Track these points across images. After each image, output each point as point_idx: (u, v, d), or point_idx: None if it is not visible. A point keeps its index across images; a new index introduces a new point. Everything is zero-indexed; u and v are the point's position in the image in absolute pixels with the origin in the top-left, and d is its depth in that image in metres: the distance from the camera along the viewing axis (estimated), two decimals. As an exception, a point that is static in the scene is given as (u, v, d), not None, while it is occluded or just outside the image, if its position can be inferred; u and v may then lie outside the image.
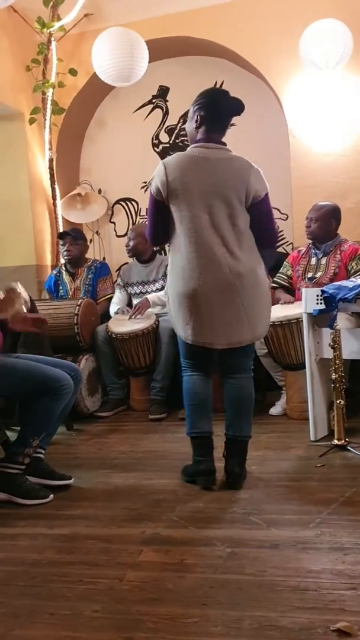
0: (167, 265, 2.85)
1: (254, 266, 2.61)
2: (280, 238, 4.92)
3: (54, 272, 4.67)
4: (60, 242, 4.58)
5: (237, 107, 2.62)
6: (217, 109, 2.61)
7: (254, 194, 2.56)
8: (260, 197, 2.58)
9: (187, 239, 2.55)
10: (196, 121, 2.63)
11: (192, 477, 2.69)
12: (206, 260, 2.53)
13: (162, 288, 4.26)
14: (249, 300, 2.59)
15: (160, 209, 2.60)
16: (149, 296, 4.26)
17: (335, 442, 3.03)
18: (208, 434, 2.69)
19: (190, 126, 2.68)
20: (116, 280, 4.62)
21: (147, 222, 2.74)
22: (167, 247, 4.99)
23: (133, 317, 4.16)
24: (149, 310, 4.22)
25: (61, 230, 4.88)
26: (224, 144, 2.65)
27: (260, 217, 2.62)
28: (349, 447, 3.00)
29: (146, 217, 2.92)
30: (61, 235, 4.56)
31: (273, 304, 3.93)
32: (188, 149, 2.66)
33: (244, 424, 2.67)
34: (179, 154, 2.62)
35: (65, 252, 4.49)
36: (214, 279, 2.54)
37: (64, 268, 4.60)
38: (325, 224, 3.79)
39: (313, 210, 3.84)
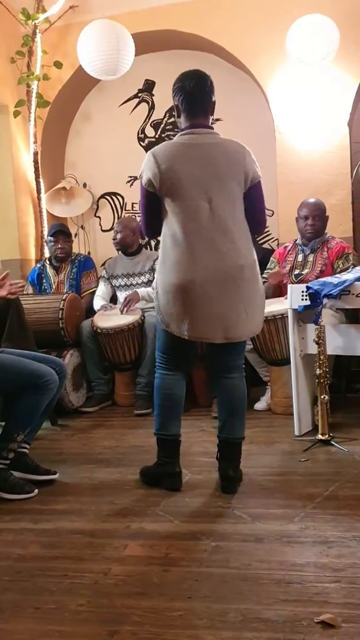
0: (155, 260, 2.79)
1: (254, 258, 2.53)
2: (265, 234, 4.94)
3: (38, 265, 4.66)
4: (51, 238, 4.55)
5: (203, 81, 2.52)
6: (187, 92, 2.50)
7: (252, 176, 2.49)
8: (257, 180, 2.51)
9: (184, 229, 2.44)
10: (176, 110, 2.56)
11: (153, 479, 2.62)
12: (206, 251, 2.43)
13: (149, 282, 4.25)
14: (248, 293, 2.50)
15: (153, 201, 2.50)
16: (139, 290, 4.24)
17: (319, 437, 3.05)
18: (177, 437, 2.61)
19: (176, 118, 2.62)
20: (101, 274, 4.60)
21: (140, 216, 2.63)
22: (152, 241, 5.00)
23: (124, 310, 4.14)
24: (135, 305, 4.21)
25: (45, 224, 4.85)
26: (211, 127, 2.55)
27: (256, 201, 2.54)
28: (332, 442, 3.02)
29: (132, 211, 2.86)
30: (55, 234, 4.53)
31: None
32: (175, 137, 2.57)
33: (237, 426, 2.59)
34: (166, 143, 2.55)
35: (58, 250, 4.49)
36: (214, 270, 2.43)
37: (47, 262, 4.59)
38: (325, 220, 3.86)
39: (310, 207, 3.83)
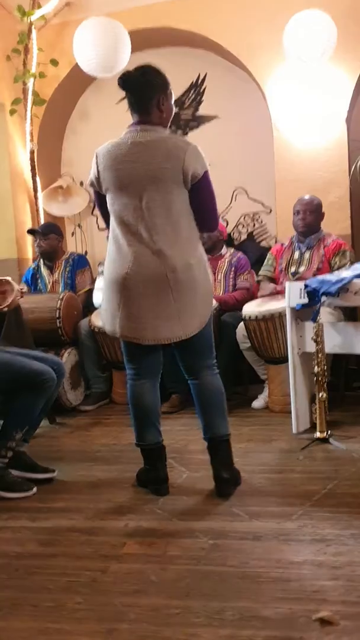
0: None
1: (189, 260, 2.43)
2: (263, 232, 4.94)
3: (33, 265, 4.63)
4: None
5: (135, 78, 2.44)
6: (131, 90, 2.46)
7: (192, 173, 2.38)
8: (199, 176, 2.40)
9: (119, 227, 2.45)
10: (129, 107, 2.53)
11: (145, 483, 2.60)
12: (138, 250, 2.40)
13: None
14: (181, 295, 2.41)
15: (98, 198, 2.56)
16: None
17: (317, 434, 3.05)
18: (156, 445, 2.57)
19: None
20: (99, 269, 4.56)
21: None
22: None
23: None
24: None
25: (42, 222, 4.84)
26: (154, 123, 2.45)
27: (201, 197, 2.45)
28: (330, 440, 3.02)
29: None
30: (31, 232, 4.52)
31: (256, 297, 3.97)
32: (121, 134, 2.53)
33: (218, 423, 2.51)
34: (110, 142, 2.52)
35: (36, 248, 4.48)
36: (146, 270, 2.40)
37: (42, 262, 4.56)
38: (319, 216, 3.85)
39: (304, 203, 3.83)
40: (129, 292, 2.43)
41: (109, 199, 2.49)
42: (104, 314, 2.55)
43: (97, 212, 2.67)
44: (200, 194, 2.45)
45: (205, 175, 2.43)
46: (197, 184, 2.42)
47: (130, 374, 2.59)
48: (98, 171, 2.48)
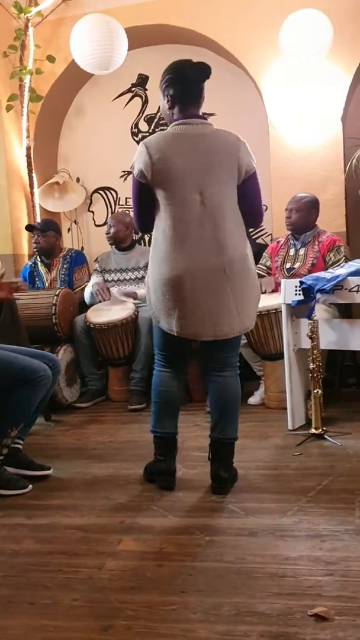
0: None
1: (245, 253, 2.45)
2: (259, 229, 4.94)
3: (29, 262, 4.62)
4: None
5: (204, 71, 2.45)
6: (185, 82, 2.44)
7: (246, 169, 2.42)
8: (252, 172, 2.44)
9: (174, 222, 2.38)
10: (168, 101, 2.49)
11: (153, 476, 2.60)
12: (196, 245, 2.37)
13: (142, 278, 4.25)
14: (239, 289, 2.42)
15: (146, 193, 2.43)
16: (138, 291, 4.21)
17: (313, 431, 3.07)
18: (172, 435, 2.58)
19: (164, 108, 2.54)
20: (95, 267, 4.57)
21: (133, 209, 2.55)
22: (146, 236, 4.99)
23: (120, 296, 4.16)
24: (127, 299, 4.21)
25: (38, 219, 4.83)
26: (205, 117, 2.50)
27: (251, 193, 2.47)
28: (326, 436, 3.04)
29: (125, 206, 2.78)
30: (29, 228, 4.51)
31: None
32: (168, 128, 2.49)
33: (229, 426, 2.52)
34: (160, 133, 2.47)
35: (34, 245, 4.46)
36: (203, 265, 2.37)
37: (39, 259, 4.55)
38: (307, 214, 3.83)
39: (293, 201, 3.87)
40: (186, 290, 2.39)
41: (162, 192, 2.40)
42: (157, 312, 2.49)
43: (133, 206, 2.55)
44: (250, 190, 2.47)
45: (255, 171, 2.47)
46: (248, 179, 2.44)
47: (160, 362, 2.60)
48: (152, 162, 2.37)
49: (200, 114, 2.50)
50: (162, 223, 2.44)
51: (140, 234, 4.88)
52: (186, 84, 2.45)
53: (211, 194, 2.39)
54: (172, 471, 2.56)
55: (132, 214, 2.64)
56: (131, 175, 2.49)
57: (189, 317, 2.41)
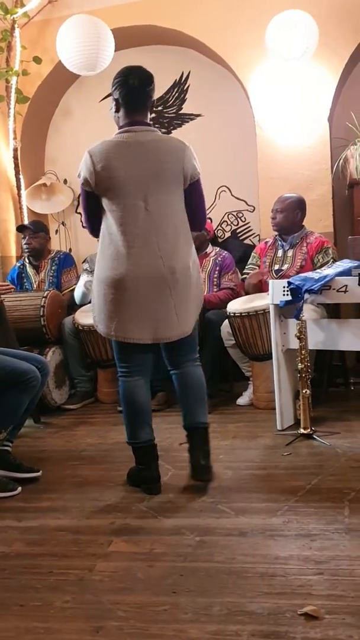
0: None
1: (187, 262, 2.50)
2: (246, 230, 4.96)
3: (18, 264, 4.60)
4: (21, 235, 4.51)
5: (145, 77, 2.47)
6: (129, 87, 2.45)
7: (191, 174, 2.46)
8: (197, 177, 2.49)
9: (119, 228, 2.42)
10: (115, 105, 2.51)
11: (136, 483, 2.57)
12: (140, 251, 2.41)
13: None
14: (180, 296, 2.48)
15: (91, 199, 2.49)
16: None
17: (302, 431, 3.08)
18: (149, 442, 2.55)
19: (112, 113, 2.56)
20: (84, 267, 4.54)
21: (82, 215, 2.58)
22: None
23: None
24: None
25: (26, 221, 4.81)
26: (150, 123, 2.52)
27: (195, 197, 2.52)
28: (314, 436, 3.05)
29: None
30: (20, 229, 4.49)
31: (245, 295, 3.99)
32: (113, 136, 2.51)
33: (198, 411, 2.56)
34: (104, 141, 2.48)
35: (25, 246, 4.44)
36: (146, 271, 2.42)
37: (27, 261, 4.53)
38: (291, 215, 3.83)
39: (278, 201, 3.88)
40: (128, 293, 2.43)
41: (106, 199, 2.45)
42: (98, 316, 2.52)
43: (81, 211, 2.61)
44: (195, 194, 2.52)
45: (199, 176, 2.51)
46: (193, 184, 2.48)
47: (123, 373, 2.58)
48: (95, 171, 2.42)
49: (147, 119, 2.52)
50: (107, 228, 2.48)
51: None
52: (132, 90, 2.46)
53: (155, 200, 2.42)
54: (156, 478, 2.54)
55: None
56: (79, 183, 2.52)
57: (129, 320, 2.46)
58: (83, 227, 5.25)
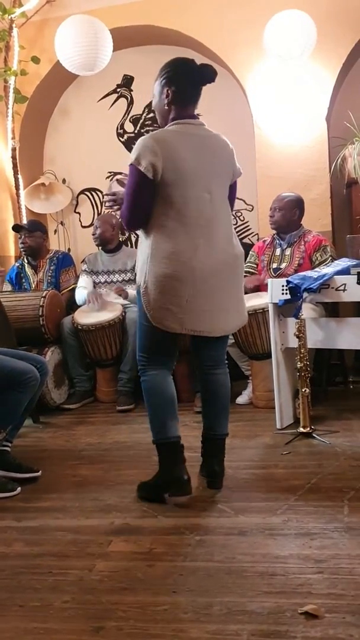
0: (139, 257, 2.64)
1: (241, 249, 2.52)
2: (245, 229, 4.96)
3: (17, 264, 4.60)
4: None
5: (210, 74, 2.40)
6: (189, 80, 2.40)
7: (236, 172, 2.52)
8: (239, 175, 2.54)
9: (185, 219, 2.33)
10: (167, 96, 2.40)
11: (155, 493, 2.42)
12: (206, 242, 2.36)
13: (130, 280, 4.26)
14: (238, 285, 2.51)
15: (149, 188, 2.31)
16: (130, 291, 4.20)
17: (301, 429, 3.08)
18: (179, 439, 2.43)
19: (160, 104, 2.45)
20: (82, 268, 4.55)
21: (125, 203, 2.37)
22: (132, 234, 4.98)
23: (110, 296, 4.17)
24: (115, 300, 4.21)
25: (24, 220, 4.81)
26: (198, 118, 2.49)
27: (233, 196, 2.57)
28: (314, 435, 3.05)
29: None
30: (16, 228, 4.49)
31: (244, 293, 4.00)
32: (169, 126, 2.42)
33: (223, 423, 2.55)
34: (165, 130, 2.40)
35: (21, 245, 4.44)
36: (214, 260, 2.37)
37: (26, 260, 4.53)
38: (289, 214, 3.84)
39: (277, 200, 3.89)
40: (198, 285, 2.35)
41: (169, 190, 2.31)
42: (161, 313, 2.35)
43: (127, 200, 2.37)
44: (233, 192, 2.56)
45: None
46: (235, 182, 2.54)
47: (154, 366, 2.46)
48: (163, 158, 2.28)
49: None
50: (163, 221, 2.35)
51: (126, 233, 4.87)
52: (193, 83, 2.41)
53: (216, 194, 2.43)
54: (186, 480, 2.39)
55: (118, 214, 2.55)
56: (131, 168, 2.33)
57: (201, 314, 2.38)
58: (82, 227, 5.28)
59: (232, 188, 2.55)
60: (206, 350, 2.54)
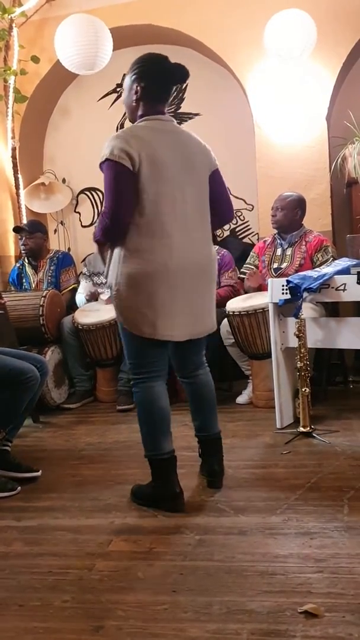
0: None
1: (213, 254, 2.45)
2: (245, 229, 4.96)
3: (17, 264, 4.60)
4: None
5: (181, 75, 2.34)
6: (159, 79, 2.33)
7: (212, 165, 2.43)
8: (215, 167, 2.44)
9: (159, 216, 2.23)
10: (136, 93, 2.33)
11: (149, 501, 2.35)
12: (181, 240, 2.27)
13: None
14: (210, 288, 2.44)
15: (128, 178, 2.19)
16: None
17: (301, 429, 3.08)
18: (172, 454, 2.36)
19: (128, 99, 2.37)
20: (82, 271, 4.57)
21: (108, 200, 2.21)
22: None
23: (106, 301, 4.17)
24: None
25: (24, 220, 4.81)
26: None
27: (219, 187, 2.46)
28: (314, 434, 3.05)
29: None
30: (16, 230, 4.49)
31: (245, 292, 4.00)
32: (137, 123, 2.34)
33: (214, 421, 2.54)
34: (136, 126, 2.31)
35: (22, 247, 4.44)
36: (189, 260, 2.29)
37: (26, 261, 4.53)
38: (291, 213, 3.83)
39: (278, 200, 3.88)
40: (172, 284, 2.26)
41: (142, 185, 2.21)
42: (133, 316, 2.27)
43: (109, 198, 2.21)
44: (218, 184, 2.47)
45: (218, 167, 2.48)
46: (214, 172, 2.44)
47: (145, 377, 2.33)
48: (139, 149, 2.20)
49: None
50: (140, 217, 2.24)
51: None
52: (163, 82, 2.35)
53: (191, 191, 2.34)
54: (178, 494, 2.34)
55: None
56: (106, 164, 2.22)
57: (176, 316, 2.30)
58: (82, 226, 5.28)
59: (215, 178, 2.44)
60: (185, 354, 2.49)
